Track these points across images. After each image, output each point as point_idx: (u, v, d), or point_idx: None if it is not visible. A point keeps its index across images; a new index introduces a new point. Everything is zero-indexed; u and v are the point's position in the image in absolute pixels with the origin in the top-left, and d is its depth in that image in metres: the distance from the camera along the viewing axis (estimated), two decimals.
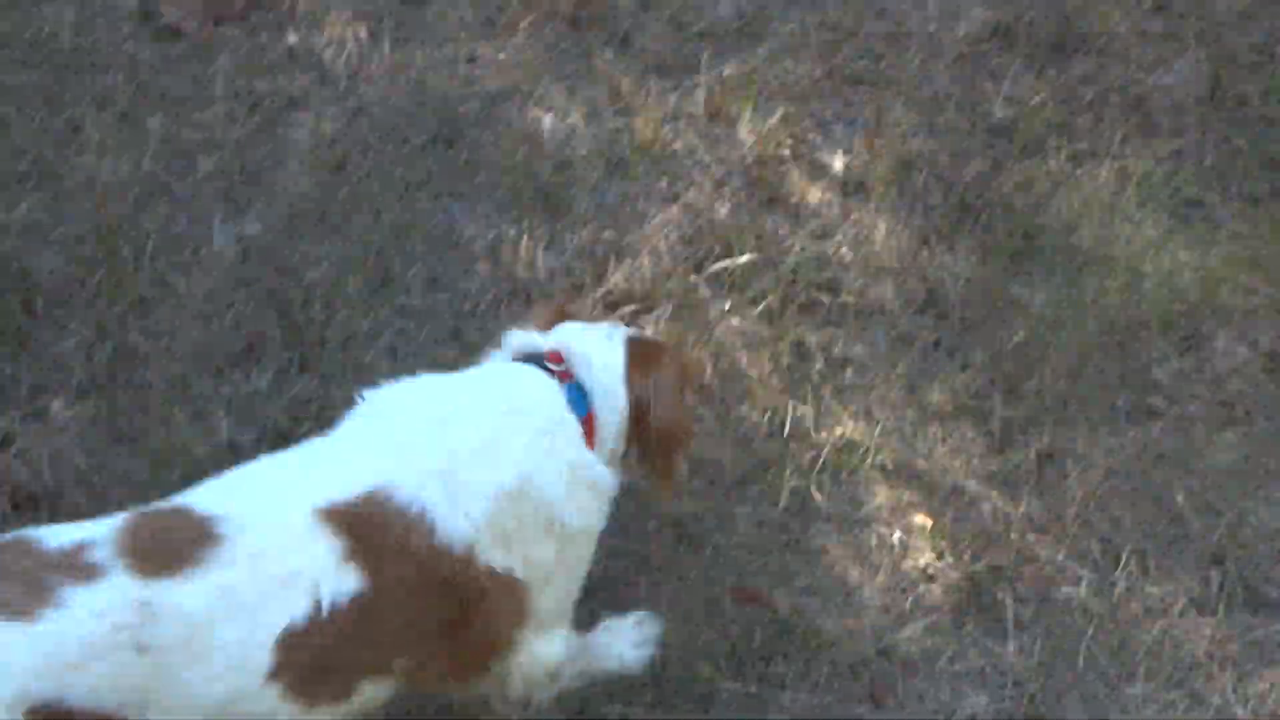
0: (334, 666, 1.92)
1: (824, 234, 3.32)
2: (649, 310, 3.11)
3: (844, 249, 3.27)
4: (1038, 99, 3.61)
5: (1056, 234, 3.31)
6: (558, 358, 2.21)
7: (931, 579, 2.77)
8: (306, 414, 2.87)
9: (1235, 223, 3.40)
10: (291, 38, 3.78)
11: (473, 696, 2.26)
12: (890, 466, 2.92)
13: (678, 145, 3.51)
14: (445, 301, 3.16)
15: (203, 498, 1.94)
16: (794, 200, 3.40)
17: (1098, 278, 3.23)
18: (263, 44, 3.75)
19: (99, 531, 1.83)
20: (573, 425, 2.15)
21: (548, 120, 3.55)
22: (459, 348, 2.92)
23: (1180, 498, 2.91)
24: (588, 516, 2.16)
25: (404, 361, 2.96)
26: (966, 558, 2.79)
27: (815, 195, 3.41)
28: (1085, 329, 3.13)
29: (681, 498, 2.71)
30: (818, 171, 3.48)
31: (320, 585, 1.88)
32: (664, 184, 3.43)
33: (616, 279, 3.16)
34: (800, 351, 3.08)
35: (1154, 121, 3.63)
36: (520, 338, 2.26)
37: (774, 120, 3.54)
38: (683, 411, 2.30)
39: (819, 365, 3.05)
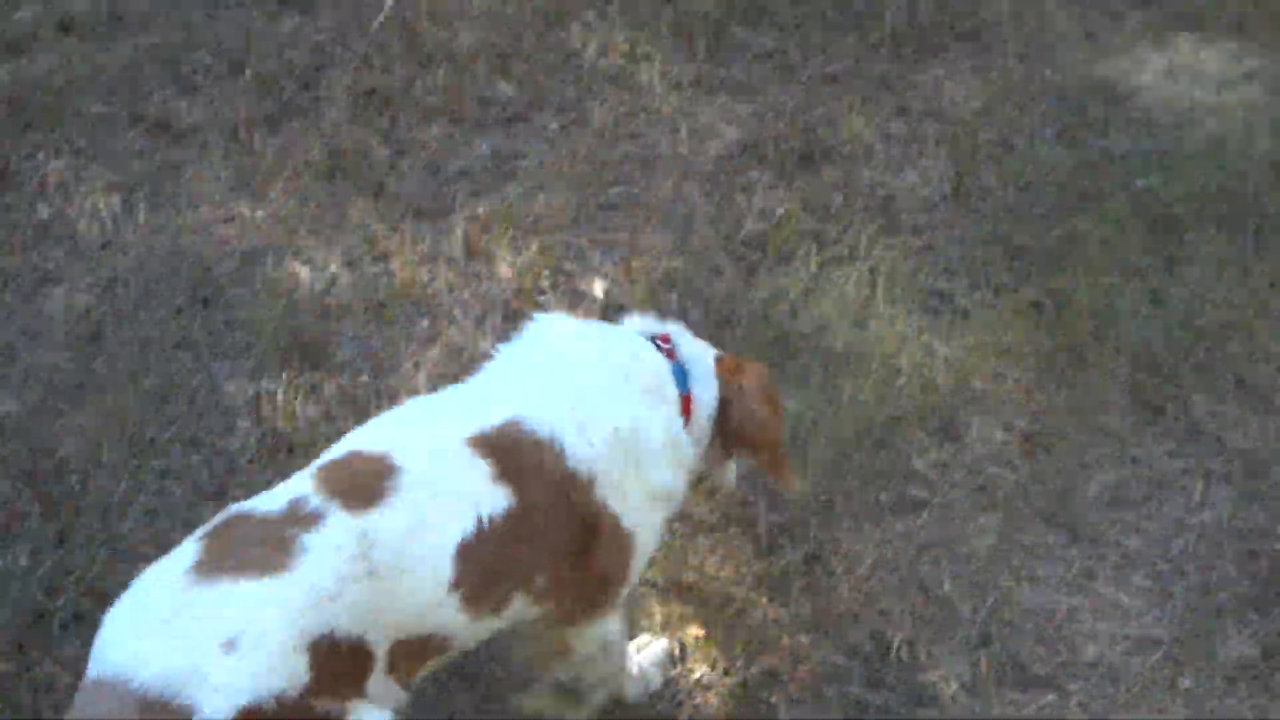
0: (495, 577, 2.20)
1: None
2: None
3: None
4: (787, 209, 3.78)
5: (810, 338, 3.46)
6: (666, 339, 2.53)
7: (707, 688, 2.82)
8: (65, 587, 2.86)
9: (981, 311, 3.58)
10: (44, 211, 3.81)
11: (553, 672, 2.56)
12: (661, 583, 2.99)
13: (437, 285, 3.60)
14: (205, 461, 3.18)
15: (377, 440, 2.22)
16: None
17: (853, 377, 3.37)
18: (14, 220, 3.78)
19: (301, 486, 2.11)
20: (675, 396, 2.46)
21: (305, 272, 3.62)
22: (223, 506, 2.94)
23: (946, 584, 3.02)
24: (670, 482, 2.43)
25: (164, 524, 2.98)
26: (739, 665, 2.86)
27: None
28: (844, 428, 3.26)
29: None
30: (578, 299, 3.59)
31: (480, 503, 2.16)
32: (425, 324, 3.51)
33: None
34: None
35: (900, 221, 3.83)
36: (636, 319, 2.58)
37: (531, 253, 3.66)
38: (770, 416, 2.57)
39: None
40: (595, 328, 2.57)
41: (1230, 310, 3.53)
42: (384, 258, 3.67)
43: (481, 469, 2.19)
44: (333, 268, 3.64)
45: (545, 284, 3.62)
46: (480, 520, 2.16)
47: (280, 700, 1.93)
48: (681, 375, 2.50)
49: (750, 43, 4.45)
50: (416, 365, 3.38)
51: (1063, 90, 4.28)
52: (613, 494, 2.32)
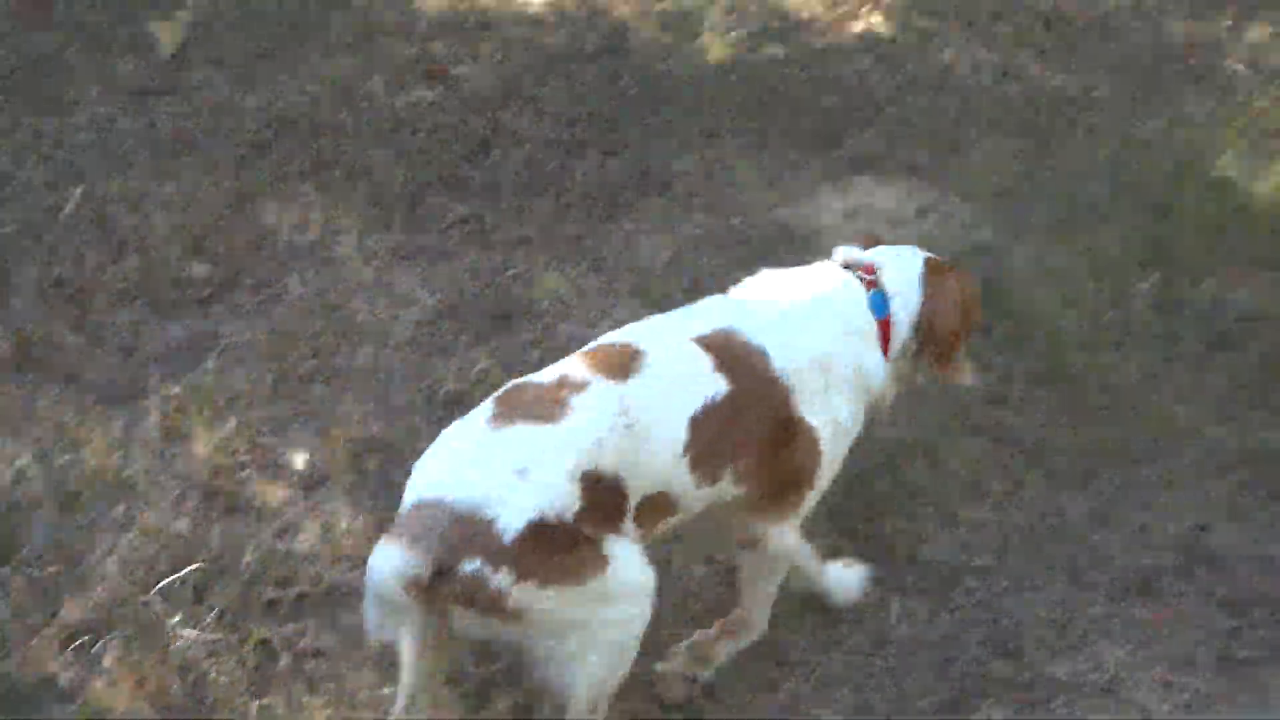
0: (714, 448, 2.77)
1: (286, 531, 3.52)
2: (104, 634, 3.20)
3: (306, 543, 3.48)
4: (485, 367, 3.98)
5: None
6: (870, 269, 3.06)
7: None
8: None
9: None
10: None
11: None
12: None
13: (132, 469, 3.66)
14: None
15: (622, 336, 2.89)
16: (256, 504, 3.60)
17: None
18: None
19: (569, 364, 2.79)
20: (872, 328, 3.01)
21: None
22: None
23: None
24: (848, 416, 2.99)
25: None
26: None
27: (277, 495, 3.62)
28: None
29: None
30: (278, 472, 3.70)
31: (706, 385, 2.77)
32: (120, 509, 3.56)
33: (68, 612, 3.25)
34: (267, 651, 3.22)
35: None
36: (846, 251, 3.14)
37: (228, 430, 3.76)
38: (960, 314, 3.13)
39: (286, 661, 3.20)
40: (804, 269, 3.12)
41: (914, 430, 3.83)
42: (75, 446, 3.72)
43: (706, 360, 2.80)
44: (22, 460, 3.67)
45: (244, 459, 3.71)
46: (706, 399, 2.76)
47: (559, 518, 2.55)
48: (880, 302, 3.05)
49: (446, 210, 4.68)
50: (111, 551, 3.42)
51: (749, 237, 4.60)
52: (808, 407, 2.89)
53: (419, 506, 2.57)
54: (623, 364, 2.77)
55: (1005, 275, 4.36)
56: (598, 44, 5.51)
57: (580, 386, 2.71)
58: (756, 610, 3.15)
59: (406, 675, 2.76)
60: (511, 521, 2.51)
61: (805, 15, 5.80)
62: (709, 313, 2.95)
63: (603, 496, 2.64)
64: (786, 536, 3.05)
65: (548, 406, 2.67)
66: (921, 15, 5.76)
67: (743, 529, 3.02)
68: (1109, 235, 4.55)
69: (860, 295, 3.03)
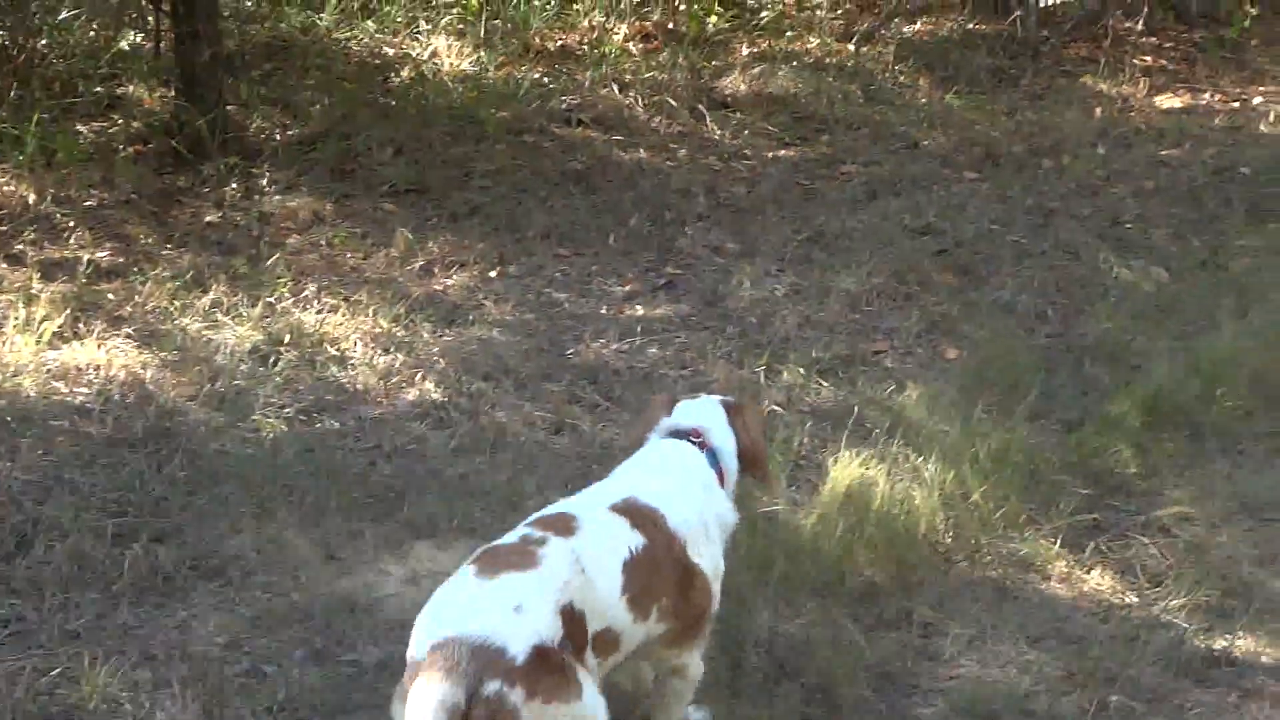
0: (644, 589, 3.50)
1: None
2: None
3: None
4: None
5: None
6: (698, 433, 3.96)
7: None
8: None
9: None
10: None
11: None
12: None
13: None
14: None
15: (553, 510, 3.70)
16: None
17: None
18: None
19: (522, 530, 3.55)
20: (715, 480, 3.95)
21: None
22: None
23: None
24: (717, 552, 3.89)
25: None
26: None
27: None
28: None
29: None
30: None
31: (629, 539, 3.56)
32: None
33: None
34: None
35: None
36: (666, 423, 4.03)
37: None
38: (762, 438, 4.28)
39: None
40: (661, 449, 3.98)
41: None
42: None
43: (623, 521, 3.60)
44: None
45: None
46: (631, 549, 3.53)
47: (550, 646, 3.17)
48: (714, 460, 3.96)
49: None
50: None
51: (310, 612, 4.67)
52: (696, 554, 3.72)
53: (438, 647, 3.10)
54: (566, 525, 3.52)
55: None
56: (147, 428, 5.56)
57: (541, 542, 3.42)
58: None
59: None
60: (519, 648, 3.10)
61: (360, 386, 6.04)
62: (613, 487, 3.81)
63: (575, 627, 3.30)
64: (699, 663, 3.88)
65: (522, 558, 3.36)
66: (472, 378, 6.09)
67: (668, 660, 3.80)
68: None
69: (703, 460, 3.94)
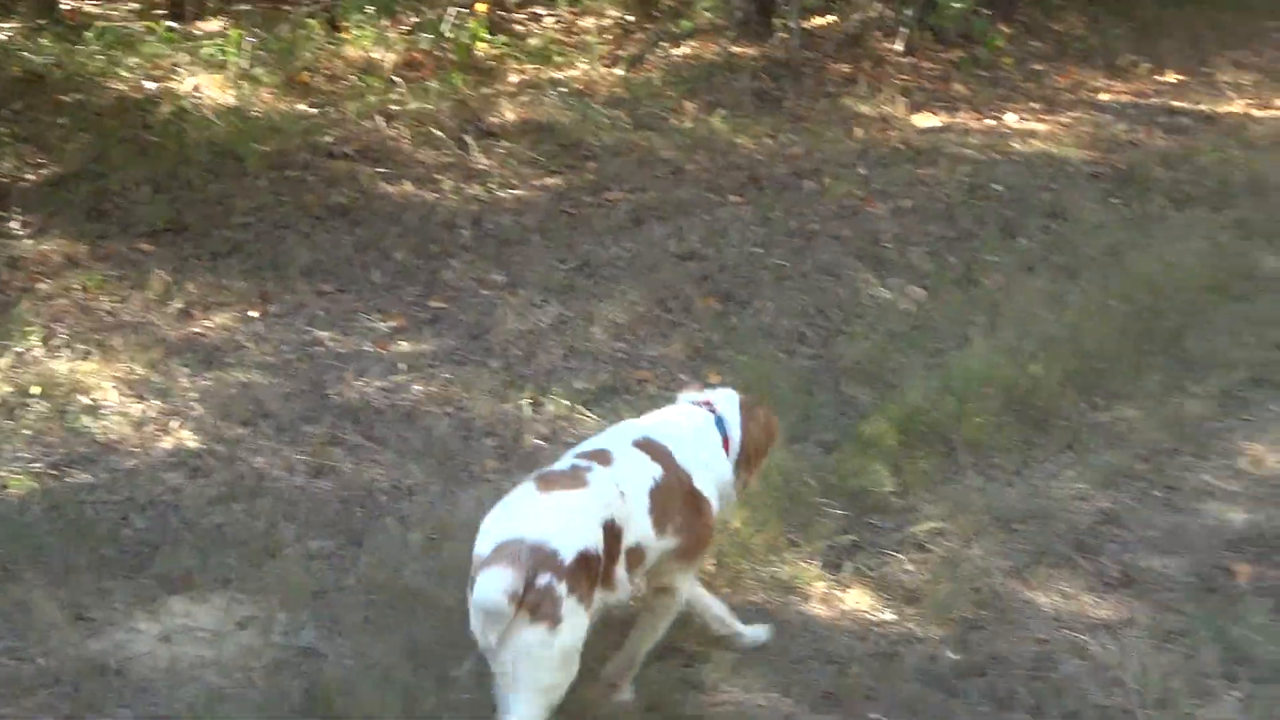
0: (663, 510, 4.22)
1: None
2: None
3: None
4: None
5: None
6: (709, 404, 4.63)
7: None
8: None
9: None
10: None
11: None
12: None
13: None
14: None
15: (589, 445, 4.44)
16: None
17: None
18: None
19: (575, 459, 4.29)
20: (719, 440, 4.57)
21: None
22: None
23: None
24: (712, 490, 4.49)
25: None
26: None
27: None
28: None
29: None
30: None
31: (651, 470, 4.26)
32: None
33: None
34: None
35: None
36: (688, 393, 4.78)
37: None
38: (766, 434, 4.79)
39: None
40: (681, 405, 4.72)
41: None
42: None
43: (644, 456, 4.30)
44: None
45: None
46: (654, 479, 4.25)
47: (593, 553, 3.91)
48: (721, 425, 4.59)
49: None
50: None
51: (58, 676, 4.54)
52: (701, 484, 4.41)
53: (502, 545, 3.83)
54: (605, 458, 4.23)
55: (327, 677, 4.52)
56: None
57: (588, 469, 4.14)
58: (640, 650, 4.52)
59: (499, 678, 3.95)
60: (569, 552, 3.84)
61: (113, 436, 5.90)
62: (632, 430, 4.49)
63: (611, 543, 4.01)
64: (692, 582, 4.55)
65: (574, 480, 4.08)
66: (230, 424, 5.99)
67: (664, 576, 4.39)
68: (429, 621, 4.81)
69: (711, 422, 4.57)
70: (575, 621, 3.86)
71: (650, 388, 6.58)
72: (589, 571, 3.88)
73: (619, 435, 4.45)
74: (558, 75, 10.56)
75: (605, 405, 6.37)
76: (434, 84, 9.73)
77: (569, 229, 8.30)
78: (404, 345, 6.88)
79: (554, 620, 3.79)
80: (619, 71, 10.79)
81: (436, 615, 4.87)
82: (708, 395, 4.68)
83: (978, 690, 4.81)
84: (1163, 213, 9.14)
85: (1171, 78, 12.46)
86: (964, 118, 10.91)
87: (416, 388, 6.47)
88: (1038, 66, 12.38)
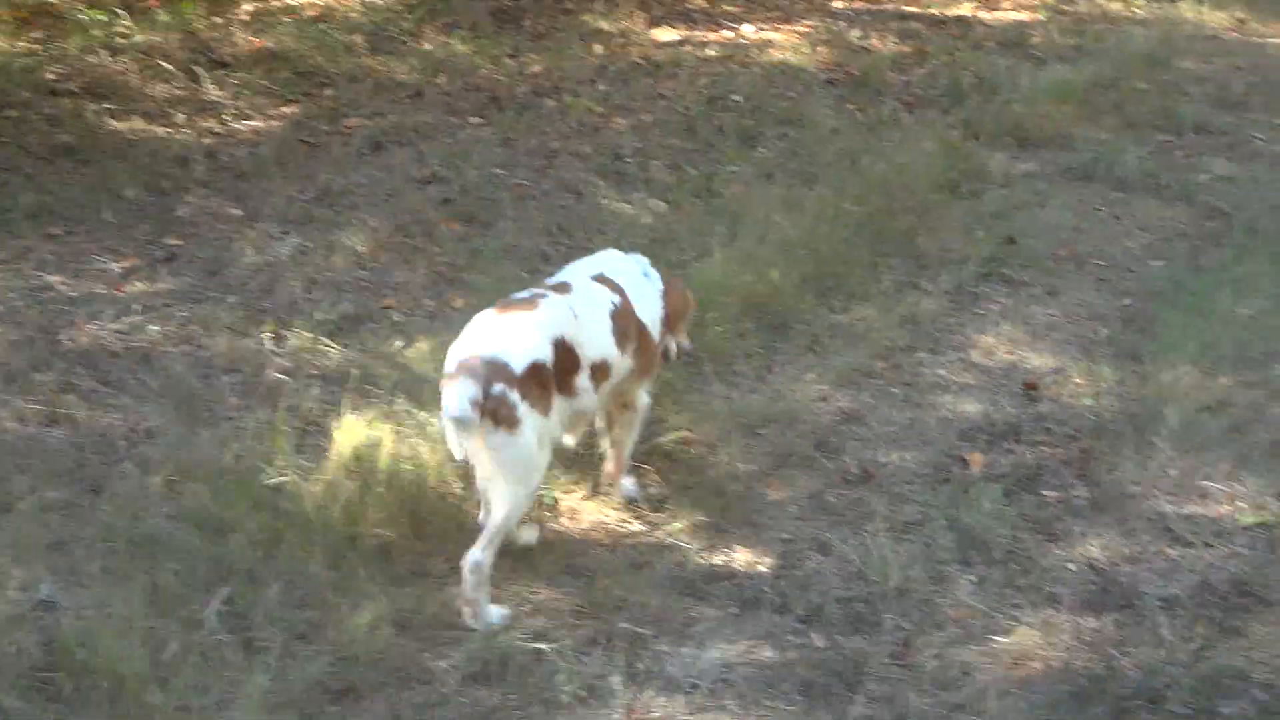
0: (623, 332, 4.91)
1: None
2: None
3: None
4: None
5: None
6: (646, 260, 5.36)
7: None
8: None
9: None
10: None
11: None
12: None
13: None
14: None
15: (553, 280, 5.04)
16: None
17: None
18: None
19: (534, 290, 4.91)
20: (657, 288, 5.32)
21: None
22: None
23: None
24: (654, 331, 5.22)
25: None
26: None
27: None
28: None
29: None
30: None
31: (610, 298, 4.93)
32: None
33: None
34: None
35: None
36: (612, 251, 5.41)
37: None
38: (680, 301, 5.43)
39: None
40: (610, 255, 5.34)
41: None
42: None
43: (603, 288, 4.94)
44: None
45: None
46: (613, 305, 4.90)
47: (543, 363, 4.52)
48: (649, 278, 5.27)
49: None
50: None
51: None
52: (642, 314, 5.07)
53: (463, 362, 4.46)
54: (563, 288, 4.89)
55: (66, 630, 4.40)
56: None
57: (543, 296, 4.78)
58: (624, 453, 5.29)
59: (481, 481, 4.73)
60: (519, 363, 4.47)
61: None
62: (588, 267, 5.14)
63: (564, 357, 4.64)
64: (647, 396, 5.27)
65: (528, 305, 4.69)
66: None
67: (628, 392, 5.13)
68: (171, 566, 4.71)
69: (648, 267, 5.33)
70: (532, 422, 4.47)
71: (395, 315, 6.51)
72: (540, 380, 4.49)
73: (577, 270, 5.08)
74: (292, 2, 10.28)
75: (349, 335, 6.30)
76: (162, 15, 9.36)
77: (307, 159, 8.15)
78: (139, 285, 6.68)
79: (512, 423, 4.42)
80: None
81: (179, 559, 4.78)
82: (632, 255, 5.33)
83: (724, 593, 4.90)
84: (895, 116, 9.36)
85: None
86: (702, 31, 11.00)
87: (153, 328, 6.29)
88: None
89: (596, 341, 4.79)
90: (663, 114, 8.94)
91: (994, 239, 7.40)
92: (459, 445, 4.49)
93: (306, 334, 6.25)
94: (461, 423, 4.35)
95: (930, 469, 5.63)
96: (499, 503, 4.56)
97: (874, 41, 10.76)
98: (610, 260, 5.19)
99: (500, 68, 9.65)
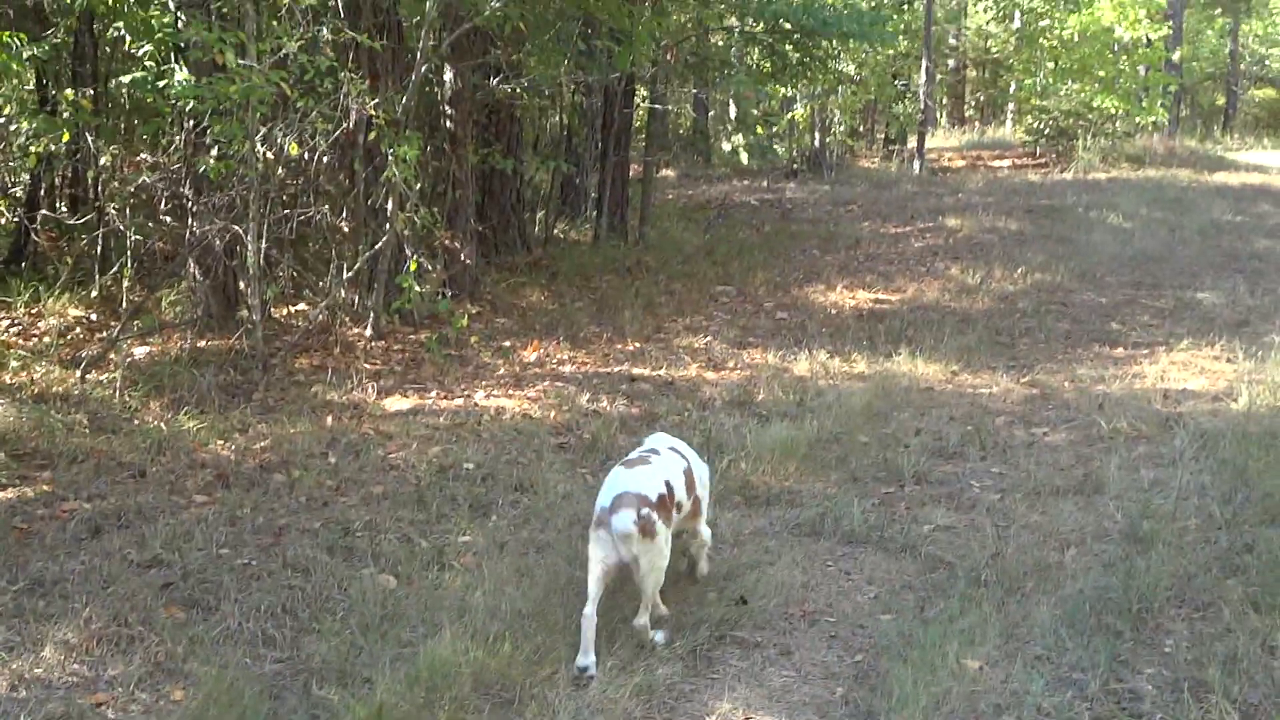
0: (686, 485, 7.21)
1: None
2: None
3: None
4: None
5: None
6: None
7: None
8: None
9: None
10: None
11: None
12: None
13: None
14: None
15: (646, 447, 7.44)
16: None
17: None
18: None
19: (636, 455, 7.30)
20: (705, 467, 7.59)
21: None
22: None
23: None
24: (703, 494, 7.42)
25: None
26: None
27: None
28: None
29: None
30: None
31: (680, 463, 7.29)
32: None
33: None
34: None
35: None
36: (663, 435, 7.76)
37: None
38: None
39: None
40: (661, 438, 7.63)
41: None
42: None
43: (675, 455, 7.27)
44: None
45: None
46: (682, 468, 7.19)
47: (665, 494, 6.86)
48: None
49: None
50: None
51: None
52: (697, 477, 7.32)
53: (619, 497, 6.61)
54: (654, 452, 7.16)
55: None
56: None
57: (649, 457, 7.09)
58: (700, 569, 7.55)
59: (595, 587, 6.65)
60: (653, 495, 6.66)
61: None
62: (666, 441, 7.45)
63: (668, 496, 6.80)
64: (707, 530, 7.39)
65: (642, 462, 7.00)
66: None
67: (691, 527, 7.28)
68: None
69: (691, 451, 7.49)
70: (664, 533, 6.68)
71: (109, 711, 6.20)
72: (664, 506, 6.71)
73: (662, 441, 7.43)
74: (9, 381, 10.09)
75: None
76: None
77: (20, 546, 7.85)
78: None
79: (653, 534, 6.54)
80: (78, 374, 10.43)
81: None
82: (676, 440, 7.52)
83: None
84: None
85: (632, 346, 13.19)
86: (434, 398, 11.13)
87: None
88: (505, 343, 12.84)
89: (677, 489, 6.99)
90: (393, 485, 8.94)
91: (725, 600, 7.47)
92: (623, 551, 6.56)
93: None
94: (626, 537, 6.45)
95: None
96: (647, 587, 6.74)
97: (603, 404, 11.03)
98: (670, 439, 7.53)
99: (229, 443, 9.57)
